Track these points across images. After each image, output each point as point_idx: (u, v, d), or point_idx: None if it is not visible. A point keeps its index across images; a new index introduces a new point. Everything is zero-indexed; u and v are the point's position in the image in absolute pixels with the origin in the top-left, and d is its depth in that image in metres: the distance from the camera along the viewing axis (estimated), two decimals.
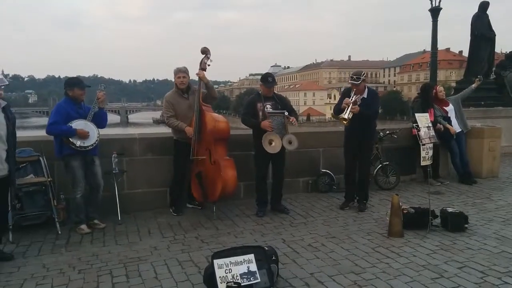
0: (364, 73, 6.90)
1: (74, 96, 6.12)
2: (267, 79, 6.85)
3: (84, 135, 5.94)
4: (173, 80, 7.03)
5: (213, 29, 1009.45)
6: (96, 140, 6.07)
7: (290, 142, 6.68)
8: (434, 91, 9.08)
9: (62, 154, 6.04)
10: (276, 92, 7.13)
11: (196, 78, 6.84)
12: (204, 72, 6.74)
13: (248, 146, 7.17)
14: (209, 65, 6.76)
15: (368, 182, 7.40)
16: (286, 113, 6.77)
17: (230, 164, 6.63)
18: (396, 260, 4.92)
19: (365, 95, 6.90)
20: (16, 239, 5.70)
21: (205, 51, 6.75)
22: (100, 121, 6.26)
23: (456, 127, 8.92)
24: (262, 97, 6.86)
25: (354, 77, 6.80)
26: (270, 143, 6.56)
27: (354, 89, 6.83)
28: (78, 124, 5.95)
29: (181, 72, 6.89)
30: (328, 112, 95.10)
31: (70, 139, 5.87)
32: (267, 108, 6.74)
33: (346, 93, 7.04)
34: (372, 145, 7.54)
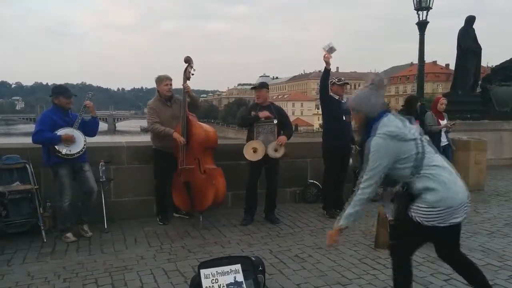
0: None
1: (60, 104, 6.09)
2: (256, 84, 7.22)
3: (69, 139, 5.88)
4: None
5: (201, 38, 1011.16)
6: (83, 148, 6.02)
7: (276, 150, 6.69)
8: (436, 101, 9.16)
9: (50, 163, 6.00)
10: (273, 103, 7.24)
11: (179, 87, 6.83)
12: (188, 81, 6.74)
13: (235, 156, 7.17)
14: (192, 74, 6.75)
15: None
16: (276, 122, 6.81)
17: (219, 173, 6.63)
18: (383, 271, 4.93)
19: (344, 100, 7.25)
20: (1, 247, 5.65)
21: (188, 60, 6.72)
22: (91, 129, 6.27)
23: (443, 140, 8.98)
24: (258, 106, 6.93)
25: (342, 78, 7.32)
26: (255, 151, 6.59)
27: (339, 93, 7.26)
28: (63, 132, 5.91)
29: (168, 79, 6.87)
30: (316, 123, 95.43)
31: (56, 147, 5.82)
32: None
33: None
34: None
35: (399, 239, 3.69)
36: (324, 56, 6.86)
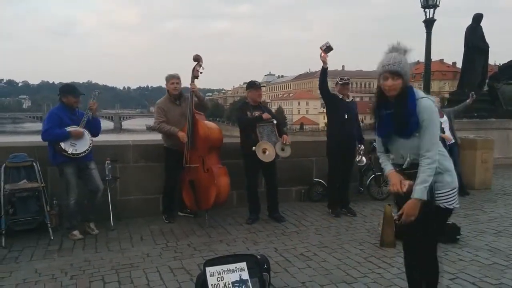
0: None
1: (68, 103, 6.12)
2: (255, 83, 7.07)
3: (78, 134, 5.94)
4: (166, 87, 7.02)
5: (206, 37, 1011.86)
6: (89, 147, 6.05)
7: (283, 149, 6.70)
8: None
9: (56, 162, 6.03)
10: (266, 100, 7.22)
11: (188, 85, 6.84)
12: (195, 83, 6.74)
13: (241, 155, 7.18)
14: (201, 72, 6.74)
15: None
16: (275, 122, 6.83)
17: (223, 172, 6.64)
18: (388, 270, 4.93)
19: (350, 98, 7.32)
20: (8, 244, 5.68)
21: (197, 59, 6.73)
22: (93, 129, 6.26)
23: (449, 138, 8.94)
24: (250, 106, 6.92)
25: (345, 77, 7.28)
26: (264, 152, 6.58)
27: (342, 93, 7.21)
28: (72, 128, 5.94)
29: (175, 78, 6.87)
30: (322, 121, 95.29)
31: (62, 146, 5.85)
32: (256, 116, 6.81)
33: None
34: None
35: (428, 237, 3.50)
36: (320, 55, 6.86)
